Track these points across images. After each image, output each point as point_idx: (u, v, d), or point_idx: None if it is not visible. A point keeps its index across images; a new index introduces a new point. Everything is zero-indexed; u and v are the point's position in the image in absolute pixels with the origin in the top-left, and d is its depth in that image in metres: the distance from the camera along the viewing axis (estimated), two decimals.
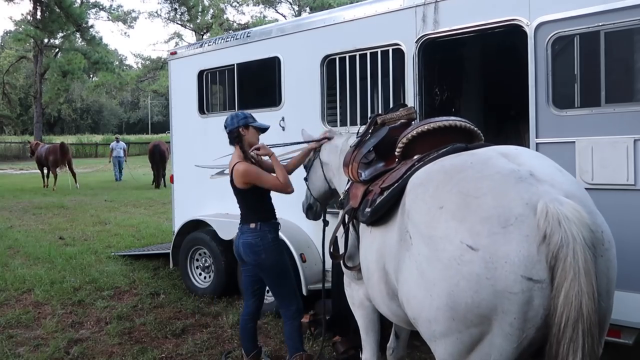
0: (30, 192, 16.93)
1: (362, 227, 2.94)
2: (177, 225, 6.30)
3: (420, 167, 2.49)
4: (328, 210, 4.18)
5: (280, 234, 4.04)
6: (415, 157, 2.72)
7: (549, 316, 1.88)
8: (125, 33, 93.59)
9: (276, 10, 45.42)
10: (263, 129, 3.92)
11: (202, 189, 6.20)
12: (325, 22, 5.07)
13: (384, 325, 3.38)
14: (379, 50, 4.64)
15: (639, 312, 3.36)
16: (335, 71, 4.98)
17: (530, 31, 3.73)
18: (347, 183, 3.41)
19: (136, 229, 10.17)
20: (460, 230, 2.01)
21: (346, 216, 3.16)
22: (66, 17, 36.01)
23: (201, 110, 6.24)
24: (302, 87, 5.19)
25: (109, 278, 6.63)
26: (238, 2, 44.43)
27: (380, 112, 4.16)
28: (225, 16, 44.33)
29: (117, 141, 21.83)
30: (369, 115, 4.82)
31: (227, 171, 3.90)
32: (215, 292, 5.77)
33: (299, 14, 41.48)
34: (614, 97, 3.46)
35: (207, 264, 5.95)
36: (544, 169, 2.10)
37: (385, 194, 2.65)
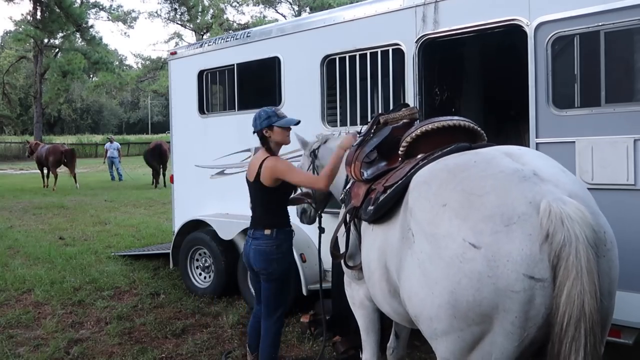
0: (30, 192, 16.93)
1: (364, 225, 2.94)
2: (177, 225, 6.30)
3: (424, 166, 2.50)
4: (327, 210, 4.18)
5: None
6: (419, 156, 2.72)
7: (551, 315, 1.88)
8: (125, 33, 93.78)
9: (276, 10, 45.47)
10: (289, 127, 3.62)
11: (202, 189, 6.20)
12: (325, 22, 5.07)
13: (384, 325, 3.38)
14: (379, 50, 4.64)
15: (639, 312, 3.36)
16: (335, 71, 4.98)
17: (530, 31, 3.73)
18: (346, 182, 3.42)
19: (136, 229, 10.17)
20: (463, 228, 2.01)
21: (347, 215, 3.16)
22: (66, 17, 36.01)
23: (201, 110, 6.24)
24: (302, 87, 5.19)
25: (109, 278, 6.63)
26: (238, 2, 44.46)
27: (380, 112, 4.16)
28: (225, 16, 44.34)
29: (111, 142, 21.91)
30: (369, 115, 4.83)
31: (247, 172, 3.71)
32: (215, 292, 5.77)
33: (299, 14, 41.49)
34: (614, 97, 3.46)
35: (207, 264, 5.95)
36: (548, 169, 2.11)
37: (389, 192, 2.65)
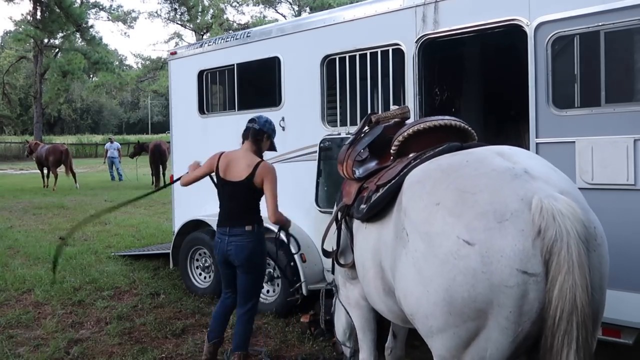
0: (30, 192, 16.92)
1: (357, 224, 2.95)
2: (177, 225, 6.30)
3: (417, 165, 2.52)
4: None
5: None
6: (411, 155, 2.75)
7: (544, 310, 1.91)
8: (125, 33, 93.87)
9: (276, 10, 45.50)
10: (273, 149, 4.11)
11: (202, 189, 6.18)
12: (325, 22, 5.07)
13: (381, 326, 3.38)
14: (379, 50, 4.64)
15: (639, 312, 3.36)
16: (335, 71, 4.98)
17: (530, 31, 3.73)
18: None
19: (136, 229, 10.17)
20: (457, 226, 2.03)
21: (339, 213, 3.17)
22: (66, 17, 36.02)
23: (201, 110, 6.24)
24: (302, 87, 5.19)
25: (109, 278, 6.63)
26: (238, 2, 44.47)
27: (380, 112, 4.17)
28: (225, 16, 44.36)
29: (111, 142, 21.97)
30: None
31: (226, 171, 3.91)
32: (215, 292, 5.76)
33: (299, 14, 41.50)
34: (614, 97, 3.46)
35: (207, 264, 5.95)
36: (538, 167, 2.15)
37: (382, 190, 2.67)
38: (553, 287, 1.87)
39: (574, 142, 3.56)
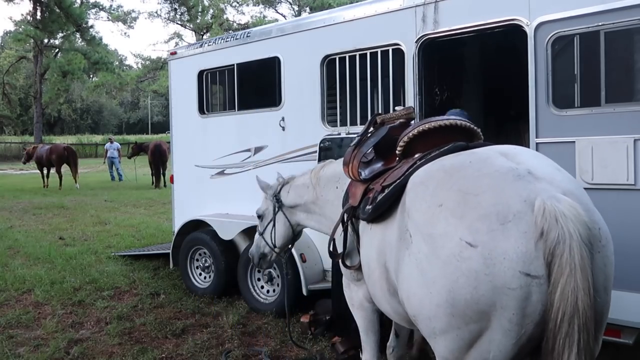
0: (30, 192, 16.93)
1: (362, 225, 2.95)
2: (177, 225, 6.30)
3: (421, 166, 2.51)
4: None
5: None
6: (416, 155, 2.73)
7: (547, 312, 1.90)
8: (125, 33, 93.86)
9: (276, 10, 45.49)
10: None
11: (202, 189, 6.20)
12: (325, 22, 5.07)
13: (383, 325, 3.38)
14: (378, 50, 4.64)
15: (639, 312, 3.36)
16: (335, 71, 4.98)
17: (530, 31, 3.73)
18: (331, 189, 3.47)
19: (136, 229, 10.16)
20: (459, 228, 2.03)
21: (345, 215, 3.17)
22: (66, 17, 36.04)
23: (201, 111, 6.24)
24: (302, 87, 5.19)
25: (109, 278, 6.63)
26: (238, 2, 44.47)
27: (380, 112, 4.17)
28: (225, 16, 44.35)
29: (111, 142, 21.99)
30: (369, 115, 4.83)
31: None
32: (215, 292, 5.76)
33: (299, 14, 41.50)
34: (614, 97, 3.46)
35: (207, 264, 5.95)
36: (542, 168, 2.13)
37: (387, 191, 2.66)
38: (555, 289, 1.86)
39: (574, 142, 3.56)
